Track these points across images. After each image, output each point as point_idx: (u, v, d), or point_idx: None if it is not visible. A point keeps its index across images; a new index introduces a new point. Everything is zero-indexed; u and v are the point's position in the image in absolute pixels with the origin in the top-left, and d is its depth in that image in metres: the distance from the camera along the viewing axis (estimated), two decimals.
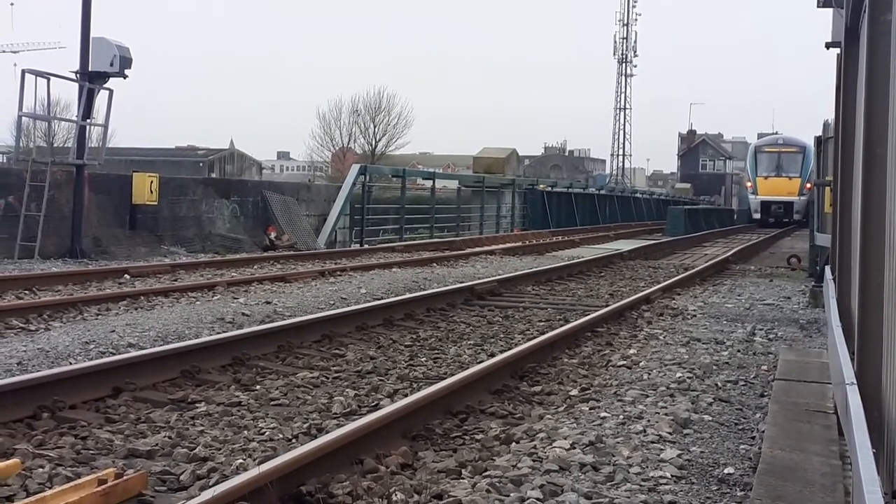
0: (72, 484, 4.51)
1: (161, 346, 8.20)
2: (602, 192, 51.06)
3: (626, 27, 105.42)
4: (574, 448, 5.43)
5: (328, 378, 7.59)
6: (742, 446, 5.80)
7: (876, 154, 4.82)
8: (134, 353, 7.51)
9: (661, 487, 4.84)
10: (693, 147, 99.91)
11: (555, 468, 5.06)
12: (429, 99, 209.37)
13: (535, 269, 17.23)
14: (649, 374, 7.90)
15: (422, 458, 5.43)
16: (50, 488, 4.58)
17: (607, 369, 8.21)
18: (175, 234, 21.05)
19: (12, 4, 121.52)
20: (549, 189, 41.54)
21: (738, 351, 9.38)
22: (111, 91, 18.44)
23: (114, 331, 9.13)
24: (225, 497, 4.14)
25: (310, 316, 9.93)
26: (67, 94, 50.94)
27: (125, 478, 4.60)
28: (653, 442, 5.67)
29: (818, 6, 11.73)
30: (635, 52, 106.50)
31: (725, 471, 5.22)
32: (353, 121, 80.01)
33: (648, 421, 6.15)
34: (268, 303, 11.64)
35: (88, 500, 4.33)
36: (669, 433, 5.90)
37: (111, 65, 17.85)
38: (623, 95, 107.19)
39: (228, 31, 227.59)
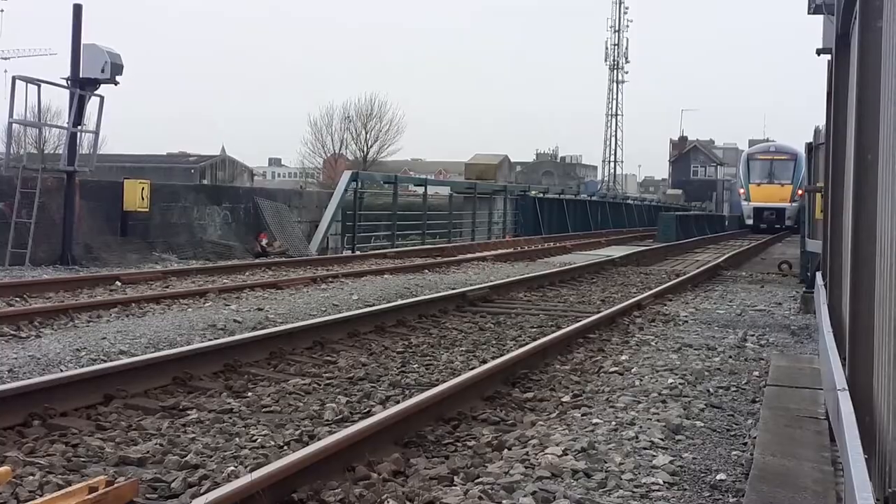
0: (63, 492, 4.50)
1: (152, 353, 8.17)
2: (594, 198, 51.15)
3: (617, 33, 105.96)
4: (566, 454, 5.43)
5: (320, 385, 7.57)
6: (734, 452, 5.80)
7: (866, 160, 4.84)
8: (125, 360, 7.48)
9: (653, 494, 4.84)
10: (684, 153, 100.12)
11: (547, 475, 5.05)
12: (420, 105, 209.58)
13: (526, 276, 17.24)
14: (641, 380, 7.90)
15: (414, 464, 5.41)
16: (41, 496, 4.56)
17: (599, 375, 8.21)
18: (166, 240, 21.01)
19: (1, 11, 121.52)
20: (541, 195, 41.62)
21: (730, 357, 9.39)
22: (102, 98, 18.42)
23: (105, 338, 9.10)
24: None
25: (301, 323, 9.92)
26: (58, 100, 50.90)
27: (116, 485, 4.58)
28: (645, 448, 5.67)
29: (809, 13, 11.75)
30: (626, 58, 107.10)
31: (717, 477, 5.22)
32: (344, 127, 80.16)
33: (640, 427, 6.15)
34: (259, 309, 11.63)
35: None
36: (661, 439, 5.90)
37: (102, 71, 17.81)
38: (615, 102, 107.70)
39: (219, 37, 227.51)
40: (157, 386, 7.17)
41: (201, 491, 4.72)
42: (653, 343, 10.08)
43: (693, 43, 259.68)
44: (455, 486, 4.97)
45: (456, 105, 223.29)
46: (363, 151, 79.46)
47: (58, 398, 6.31)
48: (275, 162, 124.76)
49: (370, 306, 11.99)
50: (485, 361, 8.63)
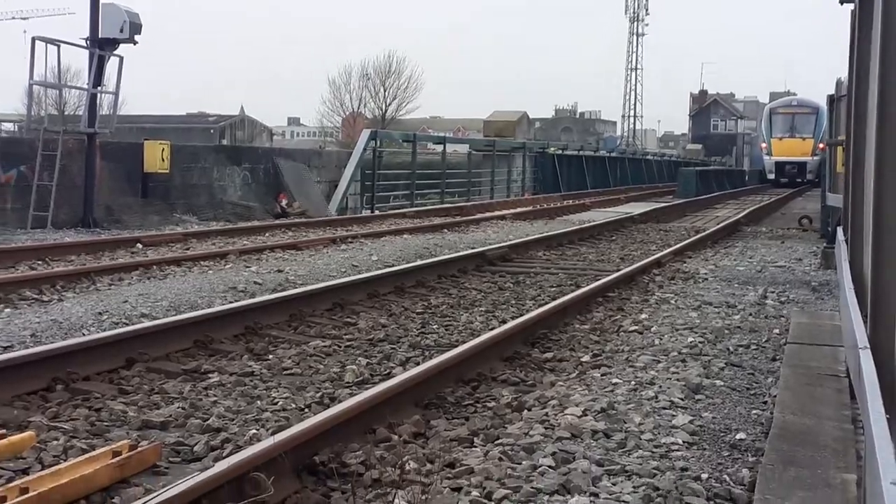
0: (86, 456, 4.55)
1: (174, 315, 8.22)
2: (613, 154, 50.87)
3: None
4: (586, 415, 5.44)
5: (340, 347, 7.60)
6: (754, 411, 5.80)
7: (890, 112, 4.77)
8: (147, 324, 7.53)
9: (672, 454, 4.85)
10: (704, 107, 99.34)
11: (567, 435, 5.07)
12: (439, 63, 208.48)
13: (545, 234, 17.22)
14: (661, 339, 7.90)
15: (434, 426, 5.45)
16: (65, 461, 4.62)
17: (619, 335, 8.21)
18: (187, 202, 21.07)
19: None
20: (560, 152, 41.42)
21: (750, 314, 9.37)
22: (121, 58, 18.35)
23: (126, 301, 9.16)
24: (239, 468, 4.16)
25: (321, 284, 9.94)
26: (77, 61, 50.90)
27: (139, 449, 4.63)
28: (664, 408, 5.68)
29: None
30: (647, 10, 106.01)
31: (737, 436, 5.22)
32: (363, 85, 79.99)
33: (660, 387, 6.16)
34: (279, 271, 11.66)
35: (103, 472, 4.36)
36: (681, 399, 5.90)
37: (121, 31, 17.71)
38: (634, 55, 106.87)
39: None
40: (179, 349, 7.21)
41: (224, 454, 4.77)
42: (672, 301, 10.06)
43: None
44: (475, 447, 4.99)
45: (474, 62, 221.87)
46: (381, 109, 79.31)
47: (80, 362, 6.37)
48: (294, 121, 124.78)
49: (389, 267, 12.01)
50: (504, 321, 8.65)
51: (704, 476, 4.53)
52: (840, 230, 8.48)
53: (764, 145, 49.19)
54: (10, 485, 4.10)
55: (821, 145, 39.38)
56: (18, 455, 4.66)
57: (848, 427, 5.23)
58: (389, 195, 28.03)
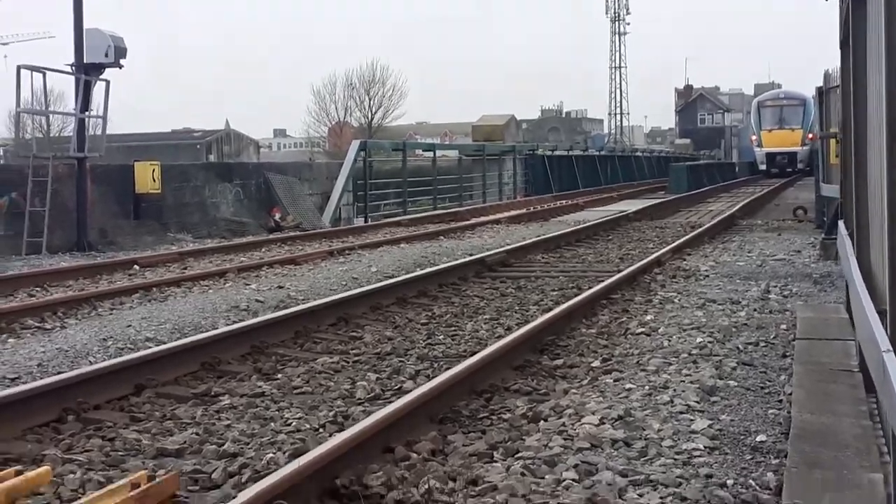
0: (105, 490, 4.48)
1: (179, 338, 8.17)
2: (602, 152, 50.92)
3: None
4: (603, 423, 5.41)
5: (348, 362, 7.56)
6: (770, 411, 5.77)
7: None
8: (154, 349, 7.47)
9: (695, 460, 4.81)
10: (690, 102, 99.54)
11: (587, 446, 5.04)
12: (422, 68, 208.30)
13: (542, 237, 17.19)
14: (669, 340, 7.87)
15: (451, 441, 5.40)
16: (83, 495, 4.56)
17: (626, 337, 8.18)
18: (180, 220, 21.01)
19: None
20: (550, 153, 41.42)
21: (755, 310, 9.35)
22: (108, 82, 18.37)
23: (130, 325, 9.10)
24: (261, 497, 4.11)
25: (324, 299, 9.89)
26: (61, 84, 50.81)
27: (158, 480, 4.57)
28: (681, 412, 5.64)
29: None
30: (627, 9, 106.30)
31: (758, 438, 5.19)
32: (348, 94, 79.98)
33: (675, 390, 6.12)
34: (280, 287, 11.61)
35: None
36: (697, 402, 5.87)
37: (106, 56, 17.74)
38: (617, 54, 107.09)
39: (216, 11, 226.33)
40: (187, 372, 7.17)
41: (242, 480, 4.72)
42: (676, 300, 10.04)
43: None
44: (495, 462, 4.95)
45: (458, 66, 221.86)
46: (367, 118, 79.30)
47: (90, 391, 6.32)
48: (280, 133, 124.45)
49: (390, 278, 11.97)
50: (510, 329, 8.62)
51: (730, 482, 4.49)
52: (842, 224, 8.45)
53: (754, 137, 49.71)
54: None
55: (810, 135, 39.66)
56: (36, 491, 4.60)
57: (867, 423, 5.20)
58: (381, 203, 27.95)
